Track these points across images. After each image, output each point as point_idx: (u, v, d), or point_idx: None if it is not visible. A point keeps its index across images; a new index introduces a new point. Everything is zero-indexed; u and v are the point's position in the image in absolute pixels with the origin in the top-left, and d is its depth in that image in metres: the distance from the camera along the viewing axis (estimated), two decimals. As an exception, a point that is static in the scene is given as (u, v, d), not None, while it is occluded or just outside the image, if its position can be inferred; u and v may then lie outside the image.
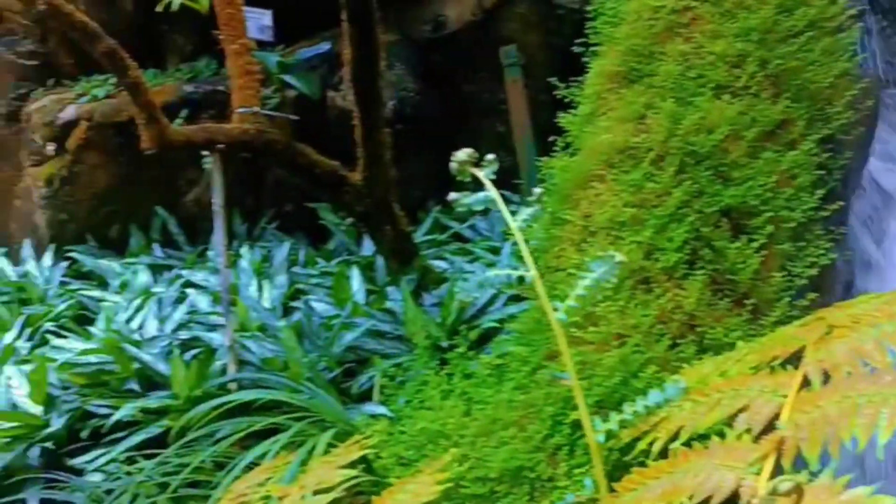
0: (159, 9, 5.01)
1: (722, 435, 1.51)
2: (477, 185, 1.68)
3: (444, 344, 3.60)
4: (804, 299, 2.84)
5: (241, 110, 4.32)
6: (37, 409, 4.10)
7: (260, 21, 5.60)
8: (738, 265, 2.82)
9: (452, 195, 1.61)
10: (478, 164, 1.66)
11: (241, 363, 4.06)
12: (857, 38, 3.52)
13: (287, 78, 5.37)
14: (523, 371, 2.73)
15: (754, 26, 3.32)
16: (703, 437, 1.53)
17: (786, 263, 2.91)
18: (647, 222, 2.89)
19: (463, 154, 1.60)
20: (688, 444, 1.53)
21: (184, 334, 4.55)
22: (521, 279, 1.64)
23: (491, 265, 4.44)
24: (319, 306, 4.50)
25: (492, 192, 1.59)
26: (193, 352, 4.26)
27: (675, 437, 1.56)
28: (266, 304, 4.71)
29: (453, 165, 1.60)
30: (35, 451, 3.94)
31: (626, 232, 2.90)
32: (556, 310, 1.55)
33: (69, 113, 6.21)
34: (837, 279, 3.14)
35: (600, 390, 2.52)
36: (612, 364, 2.60)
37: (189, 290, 5.08)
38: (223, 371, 4.05)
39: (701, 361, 1.78)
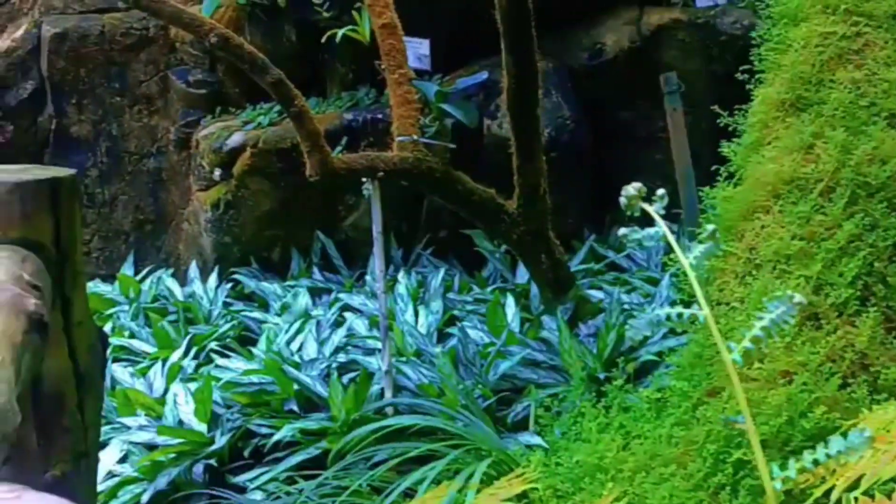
0: (323, 40, 5.17)
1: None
2: (636, 217, 1.65)
3: (601, 375, 3.56)
4: None
5: (400, 139, 4.40)
6: (201, 427, 4.24)
7: (418, 50, 5.70)
8: (914, 302, 2.69)
9: (622, 230, 1.59)
10: (647, 198, 1.63)
11: (398, 388, 4.11)
12: None
13: (445, 107, 5.43)
14: (684, 406, 2.67)
15: (932, 51, 3.17)
16: (883, 486, 1.46)
17: (966, 301, 2.76)
18: (815, 256, 2.79)
19: (632, 188, 1.58)
20: (868, 494, 1.46)
21: (342, 357, 4.64)
22: (689, 316, 1.60)
23: (648, 297, 4.37)
24: (474, 333, 4.52)
25: (663, 228, 1.56)
26: (351, 375, 4.34)
27: (853, 486, 1.49)
28: (422, 329, 4.76)
29: (623, 200, 1.58)
30: (199, 468, 4.08)
31: (793, 266, 2.81)
32: (729, 350, 1.51)
33: (235, 140, 6.43)
34: None
35: (765, 429, 2.44)
36: (778, 403, 2.51)
37: (347, 314, 5.19)
38: (380, 395, 4.10)
39: (882, 406, 1.71)
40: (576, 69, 5.90)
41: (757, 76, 3.52)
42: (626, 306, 4.14)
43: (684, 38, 5.47)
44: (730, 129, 3.44)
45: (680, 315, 1.51)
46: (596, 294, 4.50)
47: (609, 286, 4.62)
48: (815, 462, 1.39)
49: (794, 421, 2.47)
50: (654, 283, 4.67)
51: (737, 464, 2.43)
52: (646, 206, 1.56)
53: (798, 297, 1.52)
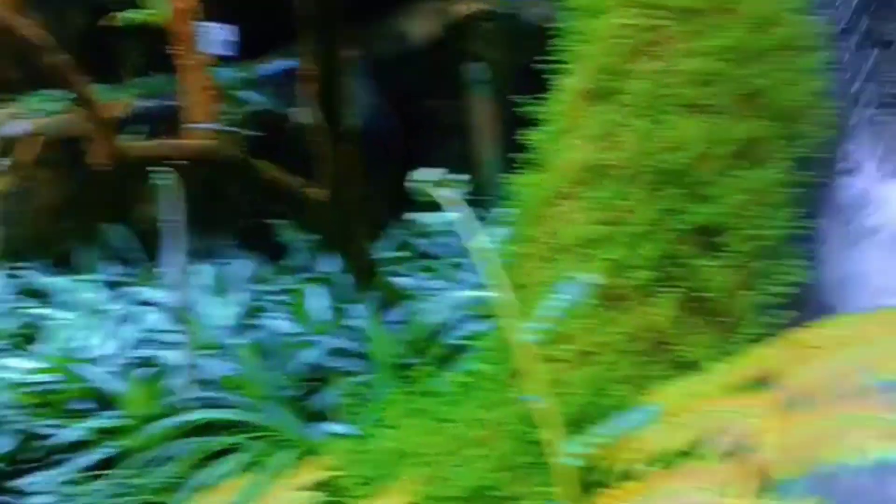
0: (104, 22, 4.91)
1: (693, 457, 1.45)
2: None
3: (409, 361, 3.52)
4: (778, 318, 2.79)
5: (195, 126, 4.24)
6: (-18, 431, 3.96)
7: (222, 36, 5.51)
8: (711, 283, 2.78)
9: (411, 214, 1.54)
10: (443, 182, 1.58)
11: (199, 382, 3.95)
12: (831, 57, 3.50)
13: (245, 94, 5.28)
14: (490, 389, 2.66)
15: (726, 45, 3.28)
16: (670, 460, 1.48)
17: (759, 282, 2.87)
18: (617, 240, 2.84)
19: (421, 173, 1.53)
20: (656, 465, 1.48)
21: (138, 352, 4.44)
22: (485, 298, 1.57)
23: (454, 282, 4.37)
24: (280, 324, 4.41)
25: (452, 213, 1.52)
26: (148, 370, 4.14)
27: (648, 460, 1.50)
28: (224, 321, 4.60)
29: (411, 185, 1.53)
30: (-20, 473, 3.80)
31: (596, 249, 2.85)
32: (524, 330, 1.49)
33: (19, 128, 6.08)
34: (812, 298, 3.10)
35: (570, 408, 2.45)
36: (582, 382, 2.54)
37: (143, 308, 4.97)
38: (181, 390, 3.93)
39: (672, 381, 1.73)
40: (383, 59, 5.86)
41: (560, 66, 3.57)
42: (431, 292, 4.13)
43: (490, 29, 5.52)
44: (534, 117, 3.46)
45: (476, 298, 1.48)
46: (407, 281, 4.47)
47: (417, 273, 4.61)
48: (605, 437, 1.39)
49: (597, 399, 2.50)
50: (461, 269, 4.67)
51: (542, 443, 2.43)
52: (435, 190, 1.51)
53: (591, 278, 1.52)
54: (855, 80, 3.69)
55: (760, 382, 1.54)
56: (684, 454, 1.49)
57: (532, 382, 1.48)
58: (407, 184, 1.56)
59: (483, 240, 1.62)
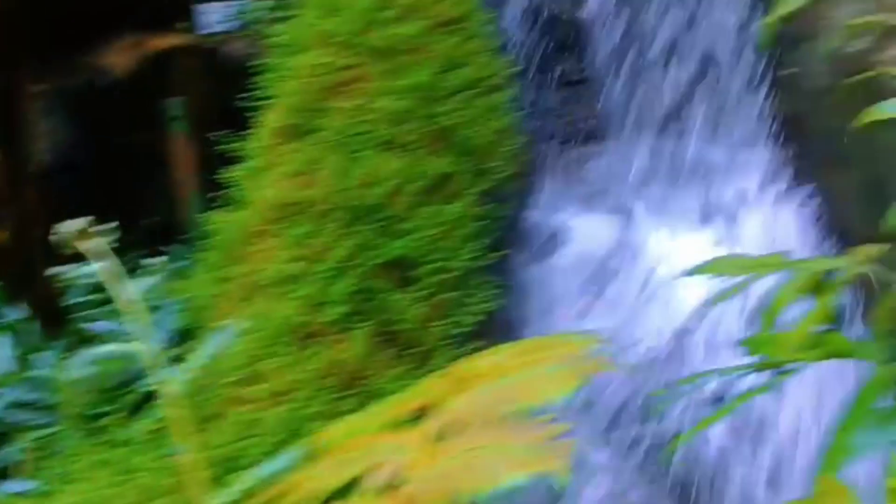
0: None
1: (352, 495, 1.47)
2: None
3: (101, 411, 3.37)
4: (469, 347, 2.90)
5: None
6: None
7: None
8: (403, 316, 2.85)
9: (55, 269, 1.48)
10: (87, 233, 1.53)
11: None
12: (514, 96, 3.70)
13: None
14: (180, 435, 2.60)
15: (417, 84, 3.40)
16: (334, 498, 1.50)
17: (450, 312, 2.98)
18: (312, 276, 2.87)
19: (65, 225, 1.47)
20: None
21: None
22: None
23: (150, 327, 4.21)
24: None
25: (97, 265, 1.47)
26: None
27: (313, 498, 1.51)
28: None
29: (56, 238, 1.47)
30: None
31: (291, 286, 2.86)
32: (170, 380, 1.46)
33: None
34: (502, 326, 3.25)
35: (262, 450, 2.44)
36: (275, 422, 2.53)
37: None
38: None
39: (340, 419, 1.76)
40: (79, 93, 5.62)
41: (261, 103, 3.58)
42: (126, 337, 3.96)
43: (191, 64, 5.44)
44: (234, 154, 3.45)
45: (111, 353, 1.44)
46: (97, 326, 4.27)
47: (107, 318, 4.41)
48: (260, 480, 1.39)
49: (291, 438, 2.49)
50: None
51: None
52: (83, 243, 1.45)
53: (238, 325, 1.52)
54: (538, 116, 3.92)
55: (420, 415, 1.60)
56: (344, 493, 1.52)
57: (178, 433, 1.45)
58: (51, 237, 1.50)
59: (131, 290, 1.57)
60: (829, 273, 2.23)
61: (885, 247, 2.24)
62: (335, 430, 1.69)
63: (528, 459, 1.43)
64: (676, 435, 2.30)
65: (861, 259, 2.15)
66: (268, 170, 3.28)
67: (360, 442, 1.60)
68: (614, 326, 3.16)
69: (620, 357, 3.02)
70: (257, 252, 3.02)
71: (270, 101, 3.54)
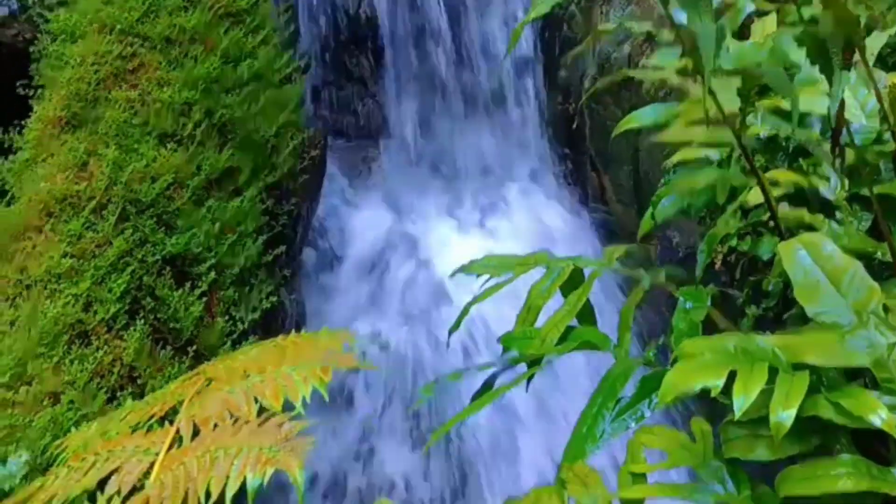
0: None
1: (98, 500, 1.45)
2: None
3: None
4: (248, 343, 2.88)
5: None
6: None
7: None
8: (181, 313, 2.82)
9: None
10: None
11: None
12: (304, 90, 3.70)
13: None
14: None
15: (200, 76, 3.36)
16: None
17: (230, 309, 2.96)
18: (86, 273, 2.79)
19: None
20: (64, 512, 1.46)
21: None
22: None
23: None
24: None
25: None
26: None
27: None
28: None
29: None
30: None
31: (63, 284, 2.78)
32: None
33: None
34: (286, 321, 3.25)
35: (29, 453, 2.36)
36: (44, 424, 2.45)
37: None
38: None
39: (86, 425, 1.73)
40: None
41: (37, 92, 3.44)
42: None
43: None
44: (6, 146, 3.31)
45: None
46: None
47: None
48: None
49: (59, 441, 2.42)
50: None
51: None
52: None
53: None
54: (326, 111, 3.94)
55: (167, 418, 1.59)
56: (91, 498, 1.49)
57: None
58: None
59: None
60: (582, 270, 2.35)
61: (633, 247, 2.38)
62: (82, 434, 1.66)
63: (267, 458, 1.46)
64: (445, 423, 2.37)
65: (610, 258, 2.28)
66: (41, 161, 3.17)
67: (108, 445, 1.58)
68: (390, 321, 3.22)
69: (388, 352, 3.09)
70: (28, 248, 2.91)
71: (46, 89, 3.41)
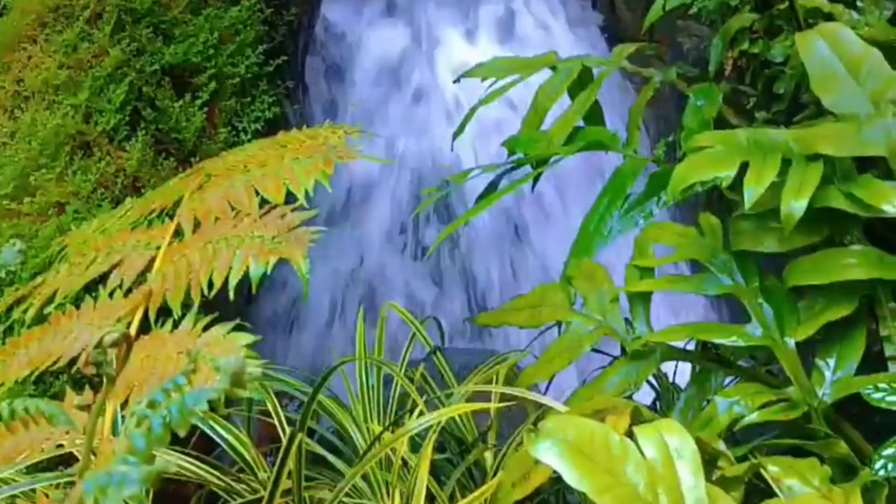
0: None
1: (100, 293, 1.44)
2: None
3: None
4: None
5: None
6: None
7: None
8: (183, 124, 2.77)
9: None
10: None
11: None
12: None
13: None
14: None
15: None
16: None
17: (232, 119, 2.91)
18: (83, 84, 2.73)
19: None
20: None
21: None
22: None
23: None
24: None
25: None
26: None
27: (51, 302, 1.48)
28: None
29: None
30: None
31: (61, 95, 2.72)
32: None
33: None
34: (288, 129, 3.20)
35: (38, 261, 2.37)
36: (49, 234, 2.45)
37: None
38: None
39: (85, 222, 1.71)
40: None
41: None
42: None
43: None
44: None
45: None
46: None
47: None
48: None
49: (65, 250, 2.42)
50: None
51: None
52: None
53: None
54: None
55: (168, 214, 1.57)
56: (92, 292, 1.49)
57: None
58: None
59: None
60: (591, 69, 2.28)
61: (644, 45, 2.30)
62: (82, 232, 1.65)
63: (270, 248, 1.44)
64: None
65: (619, 56, 2.21)
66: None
67: (107, 241, 1.56)
68: (397, 130, 3.17)
69: (395, 154, 3.06)
70: (24, 59, 2.84)
71: None
